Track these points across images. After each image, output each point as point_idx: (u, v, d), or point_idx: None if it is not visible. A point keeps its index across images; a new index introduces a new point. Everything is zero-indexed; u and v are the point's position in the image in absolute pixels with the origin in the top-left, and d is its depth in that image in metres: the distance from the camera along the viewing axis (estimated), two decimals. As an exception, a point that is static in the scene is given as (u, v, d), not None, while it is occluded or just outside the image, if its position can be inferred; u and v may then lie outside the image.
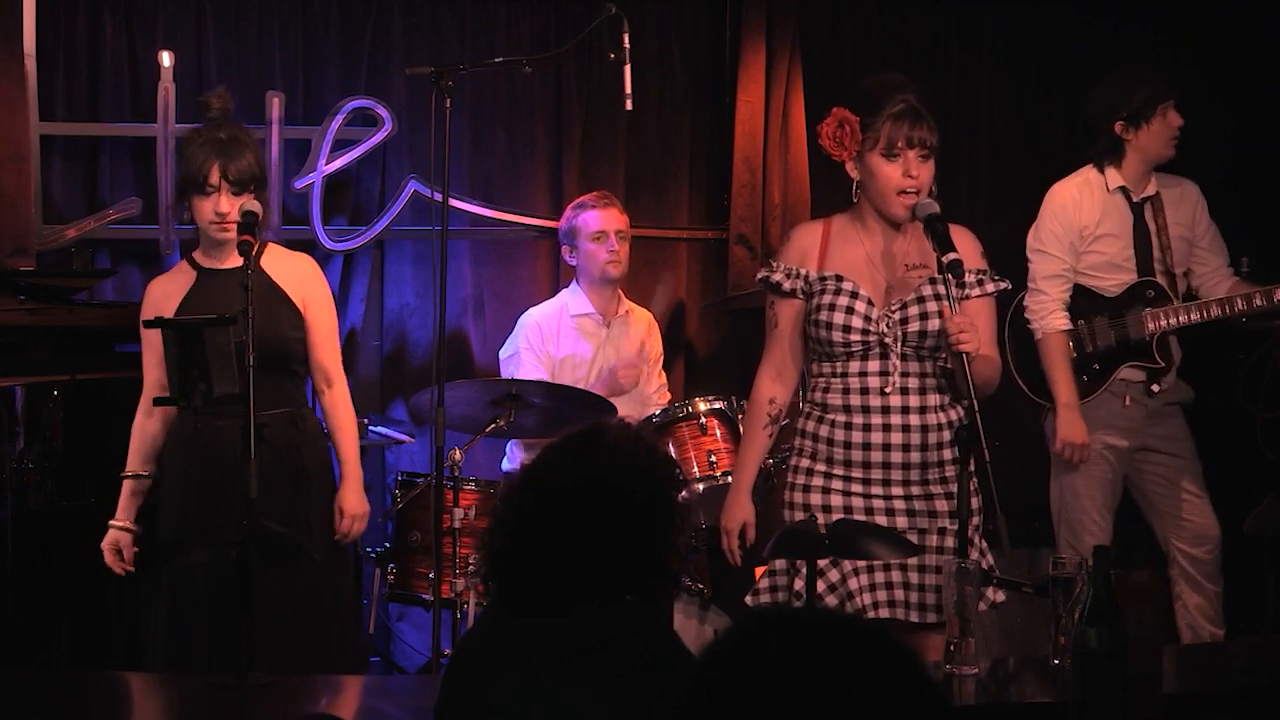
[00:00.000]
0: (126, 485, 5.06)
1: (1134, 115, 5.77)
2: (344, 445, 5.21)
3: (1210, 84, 6.88)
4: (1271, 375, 6.07)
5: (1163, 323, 5.79)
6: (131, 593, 5.37)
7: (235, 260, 4.86)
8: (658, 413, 6.12)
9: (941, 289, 4.34)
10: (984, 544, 4.47)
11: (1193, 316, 5.80)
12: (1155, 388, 5.81)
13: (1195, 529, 5.86)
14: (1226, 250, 5.94)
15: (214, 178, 4.93)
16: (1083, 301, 5.83)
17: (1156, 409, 5.86)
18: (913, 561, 4.38)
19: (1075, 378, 5.78)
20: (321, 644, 5.02)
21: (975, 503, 4.40)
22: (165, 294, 5.05)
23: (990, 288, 4.56)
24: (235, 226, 4.84)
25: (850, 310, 4.42)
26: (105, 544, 5.03)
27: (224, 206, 4.94)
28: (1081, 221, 5.80)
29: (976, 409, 4.18)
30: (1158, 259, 5.84)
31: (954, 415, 4.44)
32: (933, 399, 4.44)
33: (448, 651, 5.46)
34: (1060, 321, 5.78)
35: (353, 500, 5.15)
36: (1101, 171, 5.83)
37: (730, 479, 5.48)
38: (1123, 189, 5.80)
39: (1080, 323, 5.81)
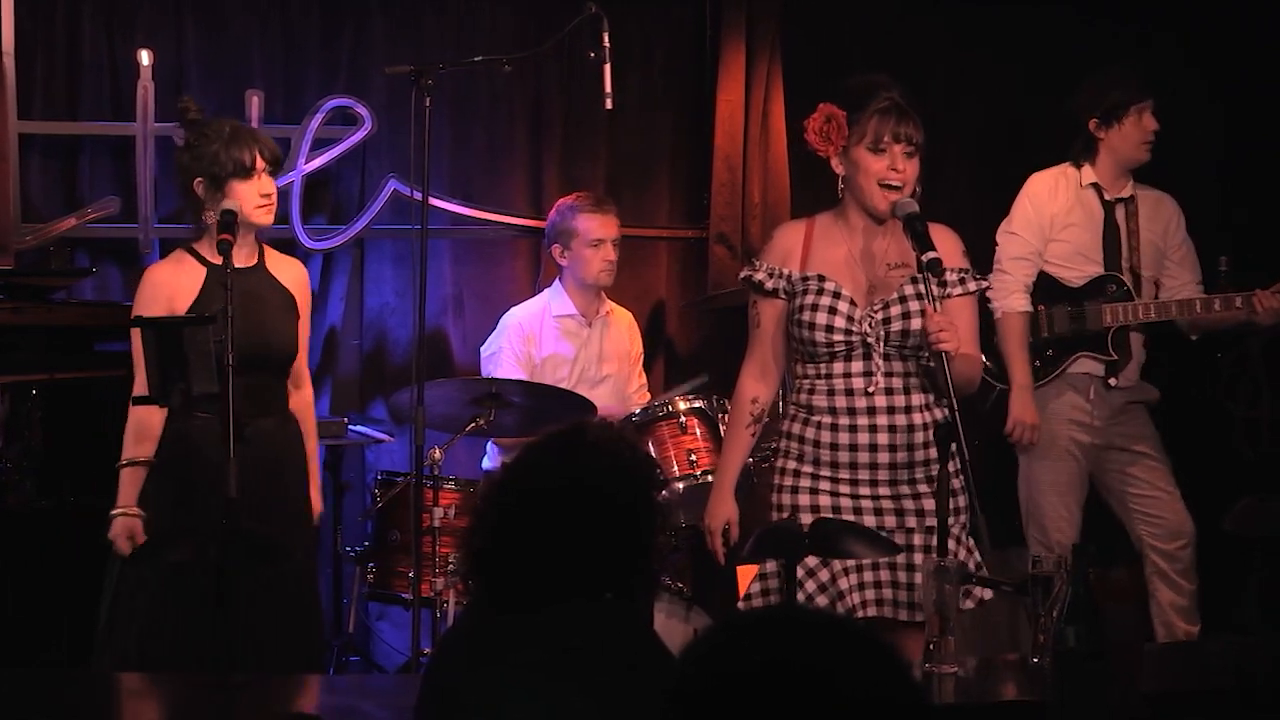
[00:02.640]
0: (125, 473, 5.03)
1: (1106, 115, 5.86)
2: (310, 446, 5.32)
3: (1209, 84, 6.90)
4: (1251, 376, 6.09)
5: (1121, 317, 5.84)
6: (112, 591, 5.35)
7: (247, 259, 5.01)
8: (638, 411, 6.12)
9: (923, 288, 4.36)
10: (970, 542, 4.47)
11: (1151, 314, 5.86)
12: (1113, 381, 5.85)
13: (1168, 526, 5.89)
14: (1199, 268, 6.01)
15: (259, 161, 5.00)
16: (1046, 289, 5.92)
17: (1120, 406, 5.90)
18: (901, 560, 4.39)
19: (1029, 361, 5.85)
20: (293, 643, 5.01)
21: (963, 500, 4.40)
22: (176, 290, 5.02)
23: (971, 286, 4.58)
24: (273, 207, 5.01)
25: (833, 310, 4.43)
26: (117, 533, 4.95)
27: (268, 187, 5.03)
28: (1053, 209, 5.90)
29: (956, 407, 4.20)
30: (1125, 257, 5.90)
31: (939, 414, 4.45)
32: (917, 398, 4.46)
33: (428, 650, 5.46)
34: (1019, 302, 5.87)
35: (318, 500, 5.35)
36: (1077, 168, 5.93)
37: (710, 478, 5.50)
38: (1095, 185, 5.89)
39: (1040, 308, 5.91)
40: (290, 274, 5.20)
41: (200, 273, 5.05)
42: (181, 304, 4.98)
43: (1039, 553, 4.44)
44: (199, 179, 5.01)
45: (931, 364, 4.36)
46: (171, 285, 5.04)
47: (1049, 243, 5.91)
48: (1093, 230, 5.90)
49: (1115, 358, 5.87)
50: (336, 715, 3.89)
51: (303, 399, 5.30)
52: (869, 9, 7.38)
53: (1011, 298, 5.87)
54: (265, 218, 5.06)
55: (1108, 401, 5.88)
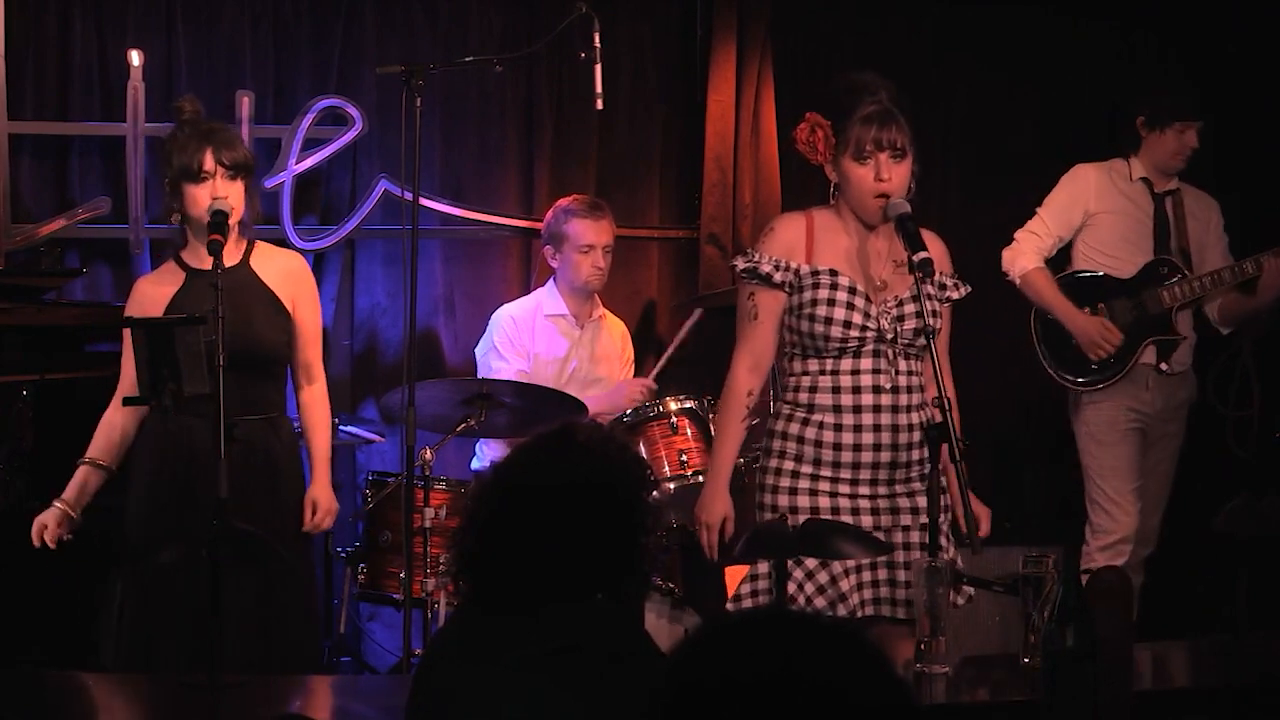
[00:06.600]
0: (80, 470, 5.02)
1: (1153, 118, 6.03)
2: (317, 440, 5.23)
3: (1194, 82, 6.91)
4: (1241, 375, 6.12)
5: (1178, 294, 5.98)
6: (103, 593, 5.35)
7: (229, 258, 4.87)
8: (629, 412, 6.11)
9: (930, 289, 4.37)
10: (951, 540, 4.48)
11: (1206, 284, 6.00)
12: (1164, 366, 5.92)
13: (1145, 530, 6.01)
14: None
15: (209, 164, 4.93)
16: (1099, 286, 6.03)
17: (1170, 401, 5.97)
18: (900, 559, 4.39)
19: (1104, 361, 5.95)
20: (283, 644, 5.00)
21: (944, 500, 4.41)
22: (154, 297, 5.02)
23: (957, 294, 4.61)
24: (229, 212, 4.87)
25: (850, 306, 4.41)
26: (37, 517, 5.00)
27: (221, 191, 4.93)
28: (1090, 204, 6.05)
29: (948, 406, 4.20)
30: (1174, 242, 6.05)
31: (930, 413, 4.45)
32: (915, 398, 4.46)
33: (419, 651, 5.46)
34: (1032, 260, 6.00)
35: (325, 495, 5.16)
36: (1125, 159, 6.10)
37: (701, 478, 5.49)
38: (1144, 180, 6.06)
39: (1101, 306, 6.01)
40: (277, 269, 5.13)
41: (179, 279, 5.05)
42: (157, 314, 4.96)
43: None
44: (166, 180, 5.01)
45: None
46: (150, 295, 5.03)
47: (1088, 229, 6.05)
48: (1142, 220, 6.07)
49: (1183, 337, 6.01)
50: (328, 715, 3.89)
51: (312, 393, 5.22)
52: (858, 10, 7.38)
53: (1021, 259, 6.02)
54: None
55: (1162, 392, 6.03)
